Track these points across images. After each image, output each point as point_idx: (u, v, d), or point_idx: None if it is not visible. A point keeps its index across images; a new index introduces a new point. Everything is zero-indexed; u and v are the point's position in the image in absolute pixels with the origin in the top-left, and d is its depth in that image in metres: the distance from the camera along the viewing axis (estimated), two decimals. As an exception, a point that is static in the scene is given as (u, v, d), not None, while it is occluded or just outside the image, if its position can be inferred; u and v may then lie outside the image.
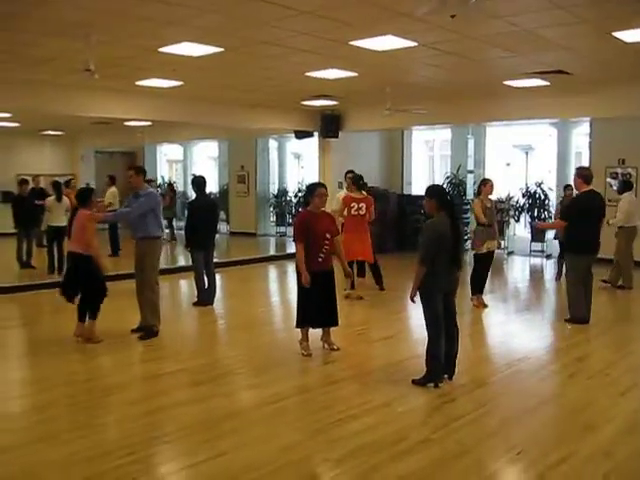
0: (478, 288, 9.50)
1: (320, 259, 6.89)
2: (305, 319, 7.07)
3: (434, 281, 5.82)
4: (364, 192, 10.28)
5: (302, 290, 6.97)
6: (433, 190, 6.08)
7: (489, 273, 9.66)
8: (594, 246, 8.54)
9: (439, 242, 5.76)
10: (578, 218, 8.37)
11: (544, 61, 9.66)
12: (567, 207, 9.03)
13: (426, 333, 6.00)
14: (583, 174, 8.58)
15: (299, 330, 7.17)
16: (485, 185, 9.36)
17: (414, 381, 6.06)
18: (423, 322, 6.00)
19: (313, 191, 7.01)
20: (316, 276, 6.83)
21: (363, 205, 10.06)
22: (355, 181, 10.30)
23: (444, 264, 5.83)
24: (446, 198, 6.07)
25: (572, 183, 9.33)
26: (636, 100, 11.71)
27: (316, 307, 6.96)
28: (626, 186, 11.32)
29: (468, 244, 12.59)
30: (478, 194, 9.59)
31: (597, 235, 8.52)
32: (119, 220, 8.10)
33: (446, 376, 6.11)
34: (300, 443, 4.89)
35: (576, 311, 8.51)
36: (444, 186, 6.19)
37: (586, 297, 8.52)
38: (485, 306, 9.46)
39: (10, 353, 7.86)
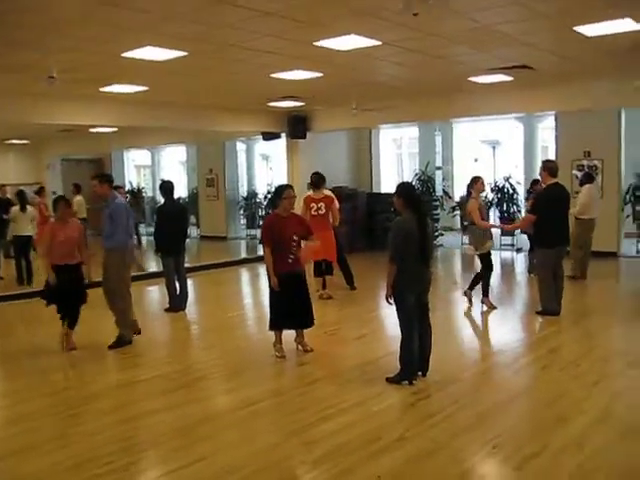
0: (485, 290, 9.33)
1: (290, 260, 6.88)
2: (277, 322, 7.06)
3: (405, 280, 5.85)
4: (325, 191, 10.29)
5: (273, 293, 6.95)
6: (401, 188, 6.13)
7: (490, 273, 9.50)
8: (563, 238, 8.65)
9: (406, 239, 5.80)
10: (546, 211, 8.45)
11: (507, 57, 9.74)
12: (536, 201, 8.97)
13: (399, 331, 6.03)
14: (548, 166, 8.70)
15: (272, 333, 7.16)
16: (477, 183, 9.13)
17: (388, 379, 6.09)
18: (396, 320, 6.02)
19: (281, 193, 6.98)
20: (287, 278, 6.82)
21: (322, 204, 10.06)
22: (312, 181, 10.33)
23: (414, 262, 5.86)
24: (413, 196, 6.10)
25: (539, 177, 9.42)
26: (599, 93, 11.87)
27: (288, 309, 6.94)
28: (587, 178, 11.47)
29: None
30: (469, 194, 9.34)
31: (566, 227, 8.64)
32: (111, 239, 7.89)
33: (420, 373, 6.14)
34: (276, 446, 4.88)
35: (548, 303, 8.61)
36: (413, 184, 6.16)
37: (557, 290, 8.61)
38: (492, 307, 9.30)
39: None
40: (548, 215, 8.43)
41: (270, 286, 6.97)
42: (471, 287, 9.47)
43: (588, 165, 13.79)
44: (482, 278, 9.34)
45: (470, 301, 9.44)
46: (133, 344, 7.89)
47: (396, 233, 5.89)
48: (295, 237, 6.92)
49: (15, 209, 12.41)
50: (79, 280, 7.74)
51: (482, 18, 7.42)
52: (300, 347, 7.26)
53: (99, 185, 7.93)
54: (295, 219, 7.16)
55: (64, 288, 7.58)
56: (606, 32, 8.08)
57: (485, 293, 9.33)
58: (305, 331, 7.26)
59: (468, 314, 9.20)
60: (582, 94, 12.07)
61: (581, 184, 11.47)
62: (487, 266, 9.27)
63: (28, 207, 12.51)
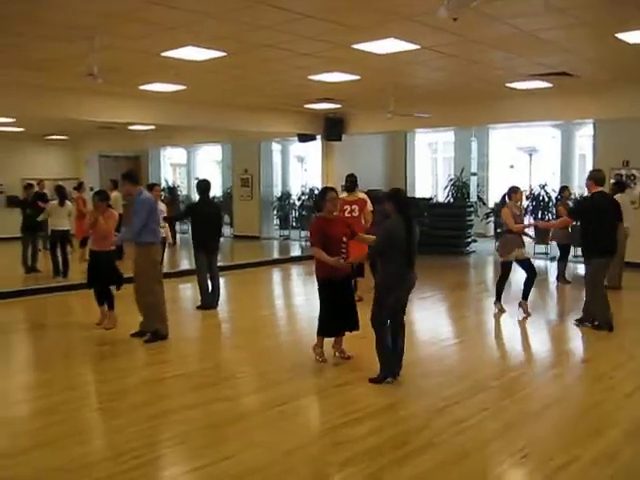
0: (498, 295, 9.41)
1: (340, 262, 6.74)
2: (329, 327, 6.94)
3: (390, 280, 6.11)
4: (359, 194, 10.29)
5: (324, 299, 6.86)
6: (392, 194, 6.37)
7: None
8: (609, 248, 8.38)
9: (390, 240, 6.09)
10: (592, 220, 8.26)
11: (547, 63, 9.66)
12: (578, 206, 8.79)
13: (374, 329, 6.23)
14: (595, 176, 8.53)
15: (313, 335, 7.04)
16: (515, 193, 9.21)
17: (371, 380, 6.22)
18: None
19: (324, 196, 6.91)
20: (337, 282, 6.76)
21: (356, 207, 10.06)
22: (346, 184, 10.35)
23: (400, 264, 6.07)
24: (403, 202, 6.29)
25: (577, 185, 9.40)
26: (639, 101, 11.69)
27: (338, 315, 6.84)
28: (617, 187, 11.35)
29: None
30: (503, 203, 9.45)
31: (612, 237, 8.39)
32: (127, 240, 8.34)
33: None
34: (304, 447, 4.89)
35: (603, 316, 8.32)
36: (404, 190, 6.40)
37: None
38: (503, 311, 9.38)
39: (15, 357, 7.90)
40: (594, 224, 8.23)
41: (321, 293, 6.87)
42: (496, 298, 9.45)
43: (626, 174, 13.61)
44: (499, 286, 9.40)
45: (502, 310, 9.40)
46: (162, 340, 7.97)
47: (382, 232, 6.29)
48: (344, 238, 6.86)
49: (53, 203, 12.63)
50: (108, 264, 8.65)
51: (522, 24, 7.37)
52: (338, 354, 7.17)
53: (123, 183, 8.38)
54: (341, 221, 7.13)
55: (95, 271, 8.65)
56: (648, 39, 7.99)
57: (498, 298, 9.42)
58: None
59: (499, 321, 9.13)
60: (622, 102, 11.92)
61: (612, 193, 11.35)
62: (504, 274, 9.30)
63: (67, 202, 12.72)
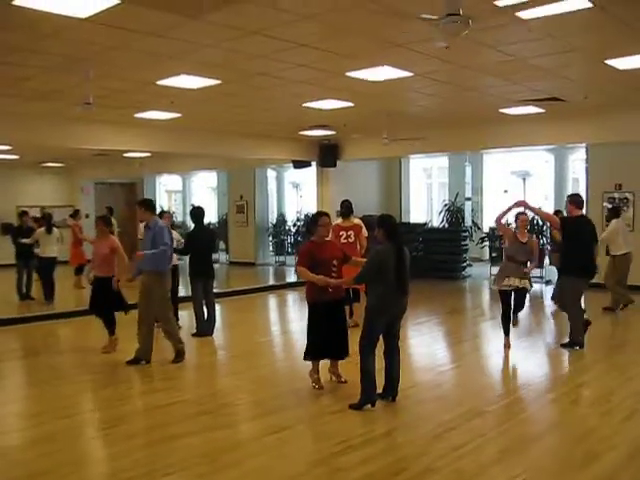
0: (504, 328, 8.77)
1: (330, 287, 6.73)
2: (314, 351, 6.92)
3: (380, 306, 6.14)
4: (354, 219, 10.32)
5: (312, 322, 6.86)
6: (382, 221, 6.37)
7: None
8: (588, 270, 8.62)
9: (379, 267, 6.10)
10: (574, 241, 8.50)
11: (539, 89, 9.77)
12: (564, 224, 8.80)
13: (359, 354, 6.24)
14: (575, 200, 8.78)
15: (309, 362, 7.01)
16: (518, 219, 8.76)
17: (351, 406, 6.21)
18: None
19: (317, 221, 6.90)
20: (327, 306, 6.74)
21: (351, 232, 10.07)
22: (342, 210, 10.37)
23: (389, 290, 6.09)
24: (393, 229, 6.31)
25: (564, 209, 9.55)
26: (631, 125, 11.83)
27: (326, 339, 6.82)
28: (612, 213, 11.53)
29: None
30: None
31: (591, 259, 8.67)
32: (154, 261, 8.23)
33: (390, 398, 6.34)
34: (302, 474, 4.86)
35: (577, 334, 8.55)
36: (394, 217, 6.29)
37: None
38: (508, 347, 8.74)
39: (11, 385, 7.85)
40: (576, 245, 8.48)
41: (310, 315, 6.88)
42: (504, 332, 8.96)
43: (619, 198, 13.72)
44: (501, 319, 8.77)
45: (508, 346, 8.83)
46: (159, 368, 7.98)
47: (371, 259, 6.31)
48: (335, 262, 6.82)
49: (41, 231, 12.84)
50: (111, 289, 8.59)
51: (514, 51, 7.48)
52: (334, 378, 7.16)
53: (139, 210, 8.33)
54: (332, 245, 7.14)
55: (99, 296, 8.73)
56: (638, 66, 8.10)
57: (505, 332, 8.77)
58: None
59: (494, 347, 9.10)
60: (614, 126, 12.04)
61: (607, 219, 11.53)
62: (502, 307, 8.69)
63: (54, 229, 12.92)
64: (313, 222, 7.00)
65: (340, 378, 7.13)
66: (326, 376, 7.15)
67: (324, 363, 7.12)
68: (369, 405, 6.17)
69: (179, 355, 8.25)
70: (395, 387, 6.36)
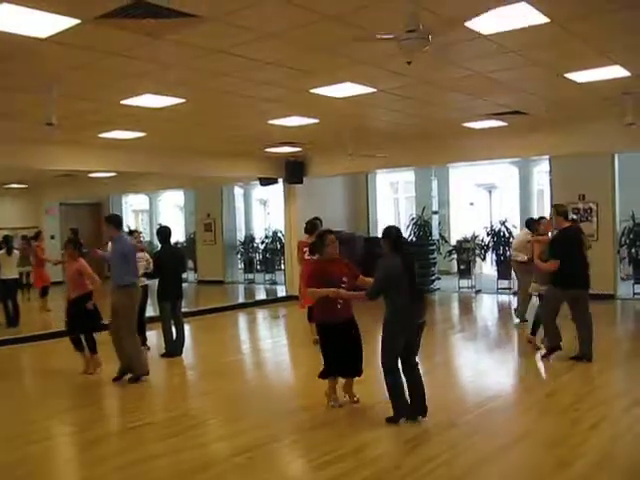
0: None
1: (339, 306, 6.61)
2: (330, 370, 6.81)
3: (398, 320, 6.03)
4: None
5: (326, 341, 6.75)
6: (387, 232, 6.34)
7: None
8: (583, 281, 8.50)
9: (389, 279, 6.02)
10: (565, 254, 8.33)
11: (501, 103, 9.89)
12: (556, 244, 8.65)
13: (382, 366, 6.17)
14: (562, 210, 8.69)
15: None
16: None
17: (388, 419, 6.15)
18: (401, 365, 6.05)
19: (324, 240, 6.73)
20: (338, 326, 6.64)
21: None
22: (306, 227, 10.39)
23: (404, 301, 6.01)
24: (399, 239, 6.30)
25: (546, 220, 9.63)
26: (592, 137, 12.00)
27: (341, 357, 6.71)
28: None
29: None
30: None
31: (585, 270, 8.52)
32: (120, 276, 8.29)
33: (421, 416, 6.20)
34: (273, 493, 4.83)
35: (552, 340, 8.54)
36: (398, 227, 6.23)
37: (583, 333, 8.49)
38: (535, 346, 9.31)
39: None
40: (567, 257, 8.31)
41: (322, 336, 6.76)
42: (533, 332, 9.43)
43: (583, 208, 13.93)
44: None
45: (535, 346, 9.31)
46: (129, 390, 7.91)
47: (380, 273, 6.14)
48: (344, 279, 6.64)
49: (1, 253, 12.76)
50: (77, 311, 8.56)
51: (476, 66, 7.58)
52: (347, 397, 7.02)
53: (105, 225, 8.50)
54: (341, 262, 6.87)
55: (76, 318, 8.62)
56: (596, 78, 8.26)
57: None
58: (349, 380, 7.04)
59: (465, 359, 9.16)
60: (575, 138, 12.21)
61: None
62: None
63: (14, 251, 12.94)
64: (320, 241, 6.81)
65: (353, 398, 7.01)
66: (340, 394, 7.02)
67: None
68: (404, 419, 6.11)
69: (122, 373, 8.21)
70: (424, 403, 6.23)
